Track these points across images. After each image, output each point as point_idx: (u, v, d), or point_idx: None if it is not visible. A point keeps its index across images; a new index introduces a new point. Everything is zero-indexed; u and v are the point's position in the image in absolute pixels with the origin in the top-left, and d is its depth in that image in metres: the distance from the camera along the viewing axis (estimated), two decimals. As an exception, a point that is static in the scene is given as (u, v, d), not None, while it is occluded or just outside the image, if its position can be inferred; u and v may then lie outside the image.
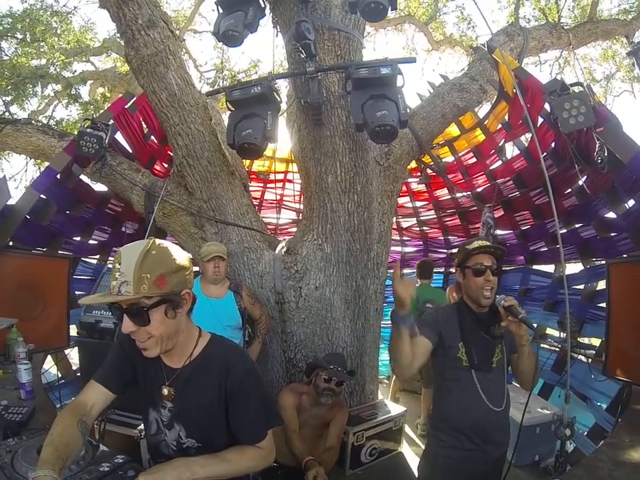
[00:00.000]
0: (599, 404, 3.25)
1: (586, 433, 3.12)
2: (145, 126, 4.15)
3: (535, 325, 1.57)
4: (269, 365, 3.30)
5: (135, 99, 3.96)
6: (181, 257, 1.17)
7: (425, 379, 4.03)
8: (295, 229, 5.72)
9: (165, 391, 1.25)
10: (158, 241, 1.16)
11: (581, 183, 3.45)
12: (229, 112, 2.75)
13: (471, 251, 1.75)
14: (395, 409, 3.33)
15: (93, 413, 1.26)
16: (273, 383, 3.27)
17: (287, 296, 3.18)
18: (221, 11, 2.67)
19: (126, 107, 3.83)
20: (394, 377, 4.61)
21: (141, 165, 3.87)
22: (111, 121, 3.52)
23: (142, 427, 1.34)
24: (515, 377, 1.83)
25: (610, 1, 6.64)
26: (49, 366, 3.35)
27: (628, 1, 6.67)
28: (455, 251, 5.91)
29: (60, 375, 3.50)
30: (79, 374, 3.47)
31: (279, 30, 3.13)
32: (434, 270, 5.58)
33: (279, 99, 2.73)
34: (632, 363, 2.32)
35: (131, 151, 4.06)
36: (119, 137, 3.87)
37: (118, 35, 6.69)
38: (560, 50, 6.48)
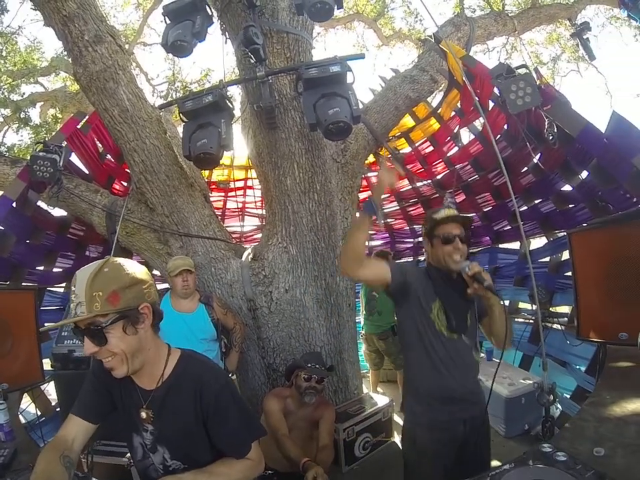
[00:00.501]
0: (577, 367, 3.40)
1: (569, 396, 3.26)
2: (99, 145, 4.05)
3: (502, 299, 1.64)
4: (249, 373, 3.29)
5: (87, 118, 3.86)
6: (137, 271, 1.15)
7: (396, 363, 4.18)
8: (260, 235, 5.72)
9: (144, 414, 1.22)
10: (114, 259, 1.15)
11: (535, 160, 3.58)
12: (183, 124, 2.72)
13: (440, 221, 1.76)
14: (381, 400, 3.37)
15: (76, 446, 1.23)
16: (256, 391, 3.27)
17: (258, 302, 3.17)
18: (168, 21, 2.65)
19: (78, 126, 3.74)
20: (372, 370, 4.68)
21: (99, 185, 3.79)
22: (64, 143, 3.42)
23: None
24: (489, 338, 1.86)
25: None
26: (27, 404, 3.23)
27: None
28: (421, 240, 6.10)
29: (39, 413, 3.38)
30: (58, 409, 3.35)
31: (227, 37, 3.11)
32: (401, 259, 5.93)
33: (231, 106, 2.72)
34: (602, 323, 2.41)
35: (87, 172, 3.96)
36: (74, 158, 3.76)
37: (65, 52, 6.54)
38: (506, 36, 6.70)
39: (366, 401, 3.36)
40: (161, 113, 3.35)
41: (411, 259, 6.22)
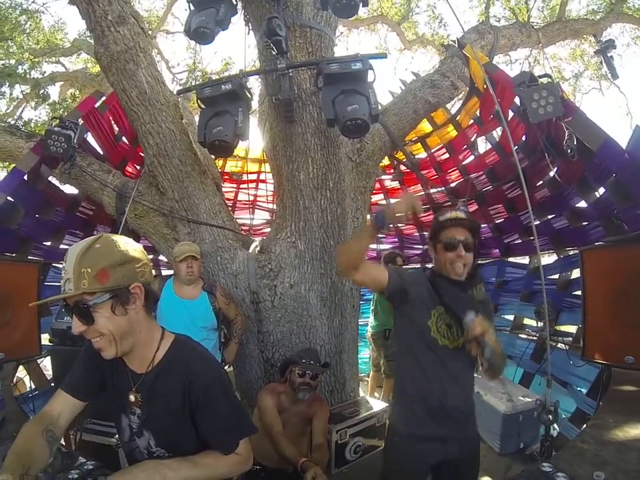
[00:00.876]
0: (579, 389, 3.33)
1: (568, 417, 3.19)
2: (115, 126, 4.06)
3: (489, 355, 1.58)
4: (246, 366, 3.27)
5: (104, 98, 3.87)
6: (130, 249, 1.10)
7: (386, 368, 4.20)
8: (269, 230, 5.71)
9: (132, 397, 1.19)
10: (108, 235, 1.11)
11: (552, 174, 3.53)
12: (200, 110, 2.71)
13: (443, 223, 1.64)
14: (377, 405, 3.32)
15: (61, 421, 1.21)
16: (252, 384, 3.25)
17: (262, 295, 3.15)
18: (192, 8, 2.65)
19: (96, 105, 3.74)
20: (371, 374, 4.66)
21: (112, 166, 3.78)
22: (80, 120, 3.43)
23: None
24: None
25: (579, 2, 6.81)
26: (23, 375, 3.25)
27: (596, 2, 6.89)
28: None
29: (33, 386, 3.39)
30: (53, 384, 3.37)
31: (250, 28, 3.11)
32: (409, 265, 5.86)
33: (249, 96, 2.71)
34: (608, 345, 2.37)
35: (101, 152, 3.97)
36: (89, 138, 3.78)
37: (88, 34, 6.58)
38: (530, 48, 6.63)
39: (362, 404, 3.32)
40: (179, 99, 3.36)
41: (418, 265, 6.19)
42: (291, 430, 2.48)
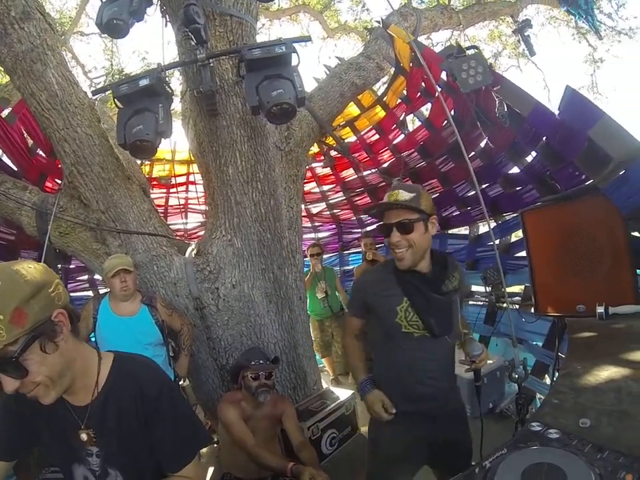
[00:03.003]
0: (534, 343, 3.52)
1: (530, 371, 3.36)
2: (28, 138, 3.71)
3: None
4: (202, 377, 3.11)
5: (13, 106, 3.53)
6: (36, 272, 0.93)
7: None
8: (204, 232, 5.54)
9: (84, 436, 1.05)
10: (3, 265, 0.92)
11: (483, 145, 3.66)
12: (118, 110, 2.51)
13: (381, 209, 1.59)
14: (343, 393, 3.29)
15: None
16: (211, 394, 3.10)
17: (205, 300, 3.00)
18: (103, -1, 2.43)
19: (2, 115, 3.40)
20: (326, 358, 4.76)
21: (30, 182, 3.44)
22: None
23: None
24: None
25: None
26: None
27: None
28: (369, 229, 6.16)
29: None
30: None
31: (167, 20, 2.94)
32: (350, 250, 6.22)
33: (170, 91, 2.54)
34: (559, 298, 2.50)
35: (15, 168, 3.61)
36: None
37: None
38: (451, 30, 6.88)
39: (327, 395, 3.27)
40: (96, 102, 3.11)
41: (359, 249, 6.26)
42: (261, 435, 2.37)
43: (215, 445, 3.55)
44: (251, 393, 2.32)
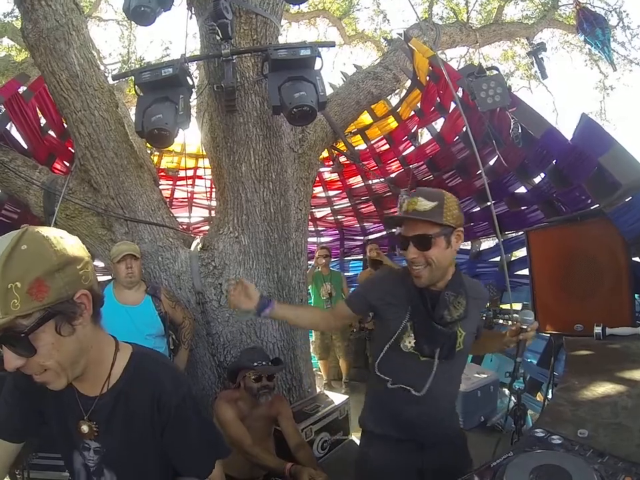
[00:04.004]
0: (529, 360, 3.55)
1: (521, 379, 3.40)
2: (42, 118, 3.71)
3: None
4: (199, 372, 3.10)
5: (30, 83, 3.52)
6: (68, 245, 0.84)
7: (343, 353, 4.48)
8: (207, 227, 5.52)
9: (85, 428, 0.96)
10: (34, 229, 0.82)
11: (492, 163, 3.70)
12: (138, 97, 2.52)
13: (395, 220, 1.58)
14: (337, 398, 3.29)
15: None
16: (207, 390, 3.08)
17: (207, 295, 2.99)
18: (132, -15, 2.44)
19: (20, 91, 3.37)
20: (321, 362, 4.75)
21: (39, 162, 3.42)
22: (1, 107, 3.09)
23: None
24: None
25: (514, 7, 7.27)
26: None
27: (529, 8, 7.40)
28: (371, 237, 6.17)
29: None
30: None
31: (193, 12, 2.96)
32: (350, 257, 6.25)
33: (191, 83, 2.56)
34: (558, 317, 2.56)
35: (26, 146, 3.59)
36: (11, 130, 3.39)
37: (14, 13, 5.94)
38: (467, 47, 6.98)
39: (321, 399, 3.27)
40: (114, 88, 3.12)
41: (360, 256, 6.29)
42: (256, 435, 2.34)
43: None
44: (252, 394, 2.29)
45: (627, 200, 2.32)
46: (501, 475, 1.02)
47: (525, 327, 1.45)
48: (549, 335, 2.70)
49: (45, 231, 0.82)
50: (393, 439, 1.49)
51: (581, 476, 0.96)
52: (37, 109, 3.59)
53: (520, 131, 2.71)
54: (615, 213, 2.33)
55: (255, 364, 2.31)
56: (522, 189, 3.68)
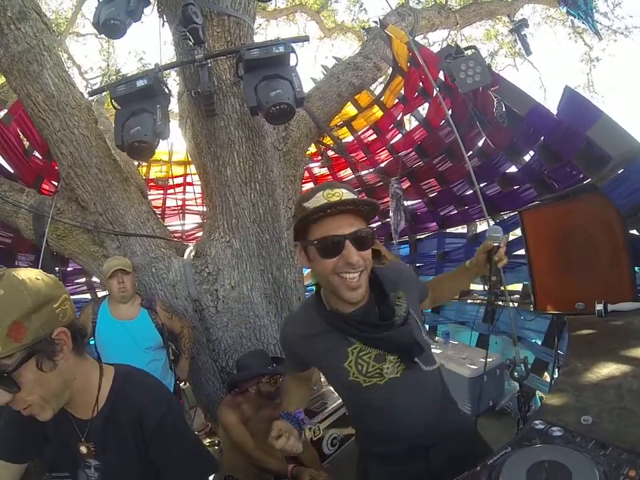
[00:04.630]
0: (533, 341, 3.52)
1: (522, 366, 3.38)
2: (24, 140, 3.69)
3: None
4: (202, 379, 3.10)
5: (9, 107, 3.51)
6: (42, 285, 0.88)
7: None
8: (202, 233, 5.50)
9: (84, 449, 1.02)
10: (10, 273, 0.87)
11: (480, 144, 3.66)
12: (116, 111, 2.50)
13: (312, 215, 1.04)
14: (344, 393, 3.28)
15: None
16: (212, 397, 3.08)
17: (204, 302, 2.99)
18: (100, -1, 2.42)
19: (-1, 116, 3.37)
20: None
21: (26, 184, 3.41)
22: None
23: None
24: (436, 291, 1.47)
25: None
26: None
27: None
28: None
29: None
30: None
31: (165, 20, 2.92)
32: None
33: (167, 91, 2.54)
34: (558, 296, 2.51)
35: (12, 171, 3.59)
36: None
37: None
38: (448, 30, 6.90)
39: (327, 396, 3.25)
40: (93, 102, 3.09)
41: None
42: (261, 438, 2.35)
43: (216, 447, 3.56)
44: (269, 398, 2.33)
45: (619, 172, 2.26)
46: (497, 473, 0.98)
47: (496, 244, 1.27)
48: (553, 314, 2.67)
49: (22, 273, 0.87)
50: (394, 459, 1.31)
51: (582, 472, 0.92)
52: (19, 132, 3.57)
53: (504, 109, 2.66)
54: (608, 187, 2.27)
55: (269, 367, 2.36)
56: (513, 168, 3.64)
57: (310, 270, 1.24)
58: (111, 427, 1.01)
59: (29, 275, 0.88)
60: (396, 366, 1.19)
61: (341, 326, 1.15)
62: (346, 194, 1.06)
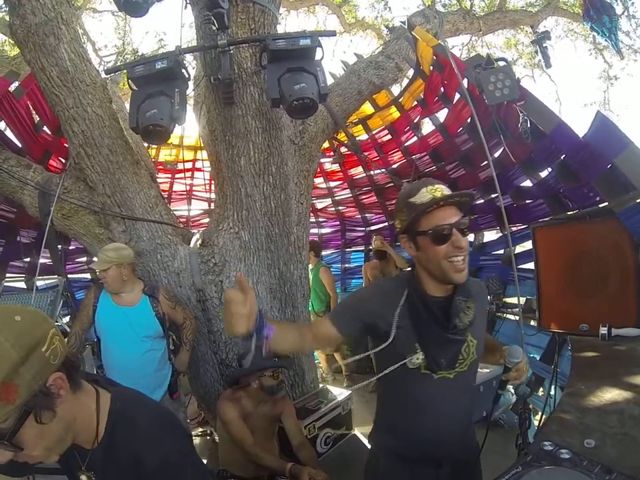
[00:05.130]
0: (532, 356, 3.52)
1: (526, 383, 3.38)
2: (35, 114, 3.62)
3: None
4: (200, 370, 3.06)
5: (21, 80, 3.43)
6: (24, 327, 0.75)
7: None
8: (207, 220, 5.46)
9: (84, 478, 0.96)
10: None
11: (496, 155, 3.61)
12: (132, 92, 2.44)
13: (425, 208, 1.18)
14: (340, 393, 3.27)
15: None
16: (209, 388, 3.06)
17: (208, 292, 2.94)
18: (123, -24, 2.35)
19: (10, 89, 3.29)
20: (322, 356, 4.75)
21: (33, 160, 3.35)
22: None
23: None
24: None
25: None
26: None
27: None
28: (373, 228, 6.09)
29: None
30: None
31: (187, 2, 2.85)
32: (352, 248, 6.26)
33: (187, 76, 2.47)
34: (563, 315, 2.53)
35: (19, 145, 3.53)
36: (3, 127, 3.36)
37: (4, 8, 5.81)
38: (470, 35, 6.83)
39: (324, 394, 3.26)
40: (107, 81, 3.02)
41: (362, 247, 6.21)
42: (260, 434, 2.37)
43: (208, 438, 3.54)
44: (269, 393, 2.33)
45: (638, 201, 2.28)
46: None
47: (509, 366, 1.32)
48: (558, 332, 2.65)
49: None
50: (407, 460, 1.37)
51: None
52: (30, 106, 3.51)
53: (529, 125, 2.62)
54: (625, 213, 2.30)
55: (273, 360, 2.34)
56: (527, 183, 3.60)
57: None
58: (112, 461, 0.95)
59: (4, 318, 0.74)
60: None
61: (418, 305, 1.26)
62: (445, 189, 1.22)
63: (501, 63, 2.54)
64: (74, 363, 0.88)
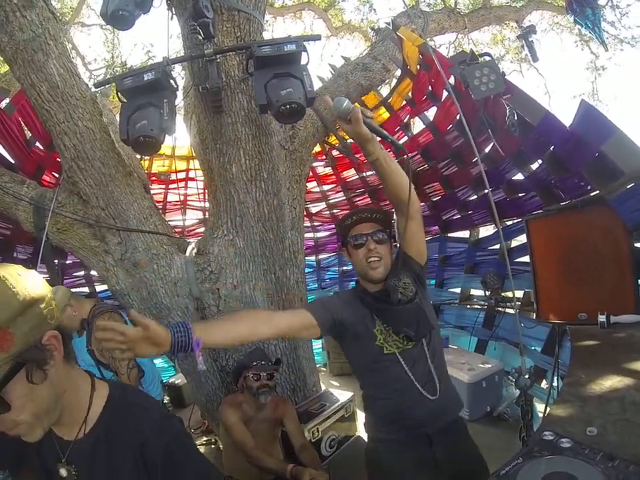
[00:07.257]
0: (533, 348, 3.53)
1: (527, 375, 3.39)
2: (26, 130, 3.64)
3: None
4: (202, 378, 3.06)
5: (11, 96, 3.45)
6: (29, 282, 0.77)
7: None
8: (202, 229, 5.46)
9: (63, 472, 0.89)
10: None
11: (487, 150, 3.64)
12: (121, 104, 2.46)
13: (349, 224, 1.61)
14: (343, 395, 3.26)
15: None
16: (210, 396, 3.06)
17: (205, 300, 2.95)
18: (109, -12, 2.37)
19: (1, 106, 3.31)
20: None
21: (27, 176, 3.36)
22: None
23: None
24: (392, 203, 1.60)
25: None
26: None
27: None
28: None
29: None
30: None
31: (173, 12, 2.87)
32: None
33: (175, 86, 2.49)
34: (561, 305, 2.55)
35: (12, 161, 3.55)
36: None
37: None
38: (456, 33, 6.88)
39: (326, 397, 3.25)
40: (97, 94, 3.04)
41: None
42: (262, 438, 2.38)
43: (213, 446, 3.53)
44: (252, 394, 2.32)
45: (628, 187, 2.30)
46: (510, 484, 1.00)
47: (341, 116, 1.39)
48: (556, 323, 2.67)
49: (2, 270, 0.75)
50: (402, 440, 1.55)
51: (593, 484, 0.94)
52: (21, 122, 3.52)
53: (516, 118, 2.65)
54: (617, 200, 2.32)
55: (254, 363, 2.37)
56: (519, 176, 3.63)
57: None
58: (104, 454, 0.90)
59: (9, 270, 0.76)
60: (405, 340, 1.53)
61: (365, 299, 1.59)
62: (368, 210, 1.65)
63: (486, 58, 2.58)
64: (67, 332, 0.87)
